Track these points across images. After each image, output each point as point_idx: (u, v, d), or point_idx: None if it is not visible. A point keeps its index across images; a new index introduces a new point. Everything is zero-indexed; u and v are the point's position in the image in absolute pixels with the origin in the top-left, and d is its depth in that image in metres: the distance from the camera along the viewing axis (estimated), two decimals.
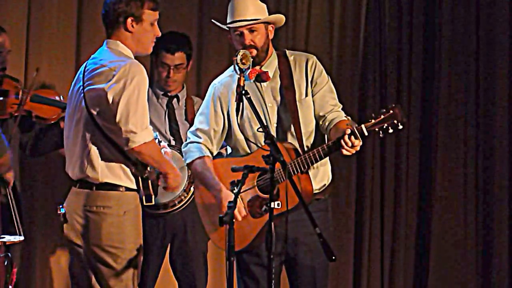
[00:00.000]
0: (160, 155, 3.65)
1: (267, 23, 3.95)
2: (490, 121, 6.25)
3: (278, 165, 3.48)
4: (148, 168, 3.64)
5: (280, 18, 3.99)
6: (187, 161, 4.03)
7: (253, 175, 3.80)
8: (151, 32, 3.69)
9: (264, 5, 3.96)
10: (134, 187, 3.65)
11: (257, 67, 3.91)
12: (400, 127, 3.72)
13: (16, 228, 4.05)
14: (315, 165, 3.88)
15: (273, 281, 3.38)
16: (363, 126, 3.71)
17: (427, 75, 6.27)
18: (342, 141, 3.68)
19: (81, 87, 3.64)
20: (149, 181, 3.64)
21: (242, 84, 3.67)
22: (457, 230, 6.22)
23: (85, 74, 3.65)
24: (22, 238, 3.95)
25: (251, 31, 3.90)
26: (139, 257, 3.65)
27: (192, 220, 4.71)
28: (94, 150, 3.59)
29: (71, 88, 3.76)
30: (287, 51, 4.06)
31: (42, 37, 5.21)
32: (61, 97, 4.55)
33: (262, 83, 3.98)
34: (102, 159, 3.59)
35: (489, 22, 6.27)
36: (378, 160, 6.17)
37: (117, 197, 3.61)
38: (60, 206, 4.34)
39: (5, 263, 3.79)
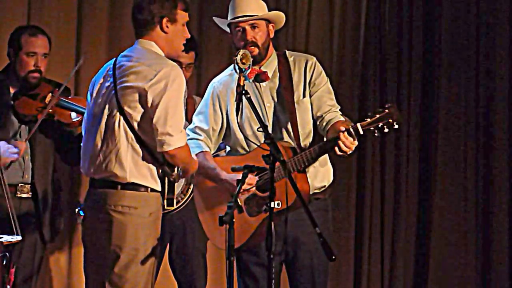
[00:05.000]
0: (190, 158, 3.61)
1: (268, 21, 3.95)
2: (490, 121, 6.25)
3: (277, 164, 3.48)
4: (175, 172, 3.58)
5: (281, 16, 4.00)
6: None
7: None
8: (183, 33, 3.67)
9: (265, 4, 3.97)
10: (158, 188, 3.57)
11: (256, 67, 3.91)
12: (396, 126, 3.72)
13: (14, 228, 4.04)
14: (315, 165, 3.89)
15: (273, 281, 3.38)
16: (358, 125, 3.72)
17: (427, 75, 6.27)
18: (339, 138, 3.68)
19: (112, 84, 3.57)
20: (175, 185, 3.60)
21: (242, 84, 3.67)
22: (457, 229, 6.22)
23: (117, 71, 3.58)
24: (19, 238, 3.93)
25: (253, 27, 3.91)
26: (156, 258, 3.60)
27: (190, 220, 4.71)
28: (124, 149, 3.51)
29: (95, 84, 3.66)
30: (287, 52, 4.06)
31: None
32: None
33: (261, 83, 3.99)
34: (130, 159, 3.52)
35: (489, 21, 6.27)
36: (378, 161, 6.17)
37: (143, 198, 3.54)
38: (78, 209, 4.31)
39: (3, 263, 3.77)
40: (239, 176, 3.46)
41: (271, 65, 4.00)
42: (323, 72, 4.02)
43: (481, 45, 6.26)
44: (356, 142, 3.71)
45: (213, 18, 4.08)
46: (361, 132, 3.71)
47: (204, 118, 4.03)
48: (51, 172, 4.51)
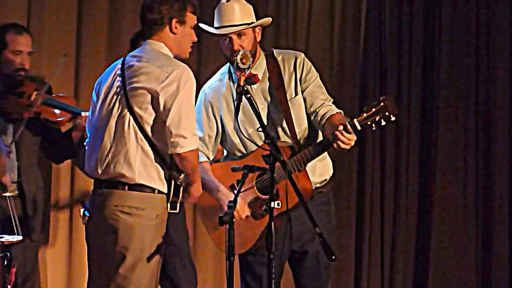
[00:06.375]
0: (197, 165, 3.60)
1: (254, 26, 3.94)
2: (490, 120, 6.25)
3: (277, 165, 3.47)
4: (182, 175, 3.55)
5: (267, 21, 3.98)
6: None
7: (252, 176, 3.79)
8: (191, 36, 3.67)
9: (251, 7, 3.94)
10: (165, 190, 3.55)
11: None
12: (393, 118, 3.70)
13: (15, 228, 4.04)
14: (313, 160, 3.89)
15: (273, 281, 3.37)
16: (355, 120, 3.70)
17: (427, 74, 6.27)
18: (336, 135, 3.67)
19: (122, 84, 3.55)
20: (181, 189, 3.57)
21: (242, 84, 3.67)
22: (457, 229, 6.22)
23: (127, 71, 3.56)
24: (20, 237, 3.93)
25: (239, 35, 3.88)
26: (160, 258, 3.59)
27: (174, 221, 4.68)
28: (133, 150, 3.49)
29: (102, 84, 3.63)
30: (275, 51, 4.05)
31: (42, 37, 5.20)
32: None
33: (252, 86, 3.97)
34: (139, 160, 3.49)
35: (489, 21, 6.27)
36: (378, 160, 6.17)
37: (150, 199, 3.52)
38: (83, 209, 4.27)
39: (4, 263, 3.77)
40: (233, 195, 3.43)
41: (260, 67, 3.99)
42: (313, 67, 4.01)
43: (481, 44, 6.26)
44: (354, 137, 3.69)
45: (199, 24, 4.06)
46: (359, 128, 3.69)
47: (198, 125, 4.00)
48: (37, 170, 4.49)
